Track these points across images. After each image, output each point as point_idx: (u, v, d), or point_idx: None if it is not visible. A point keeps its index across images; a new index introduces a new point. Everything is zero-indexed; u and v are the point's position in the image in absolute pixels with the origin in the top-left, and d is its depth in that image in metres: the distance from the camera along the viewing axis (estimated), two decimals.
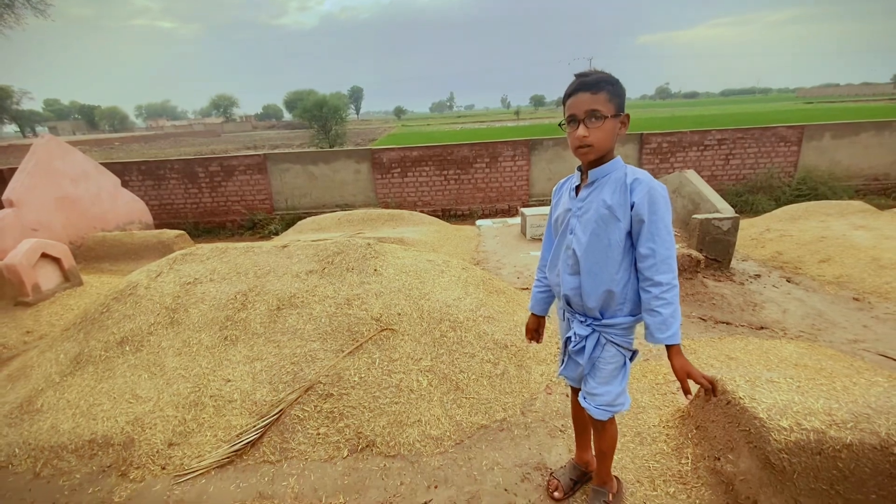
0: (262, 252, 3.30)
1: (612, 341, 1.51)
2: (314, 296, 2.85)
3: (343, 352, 2.53)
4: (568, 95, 1.39)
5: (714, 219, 4.67)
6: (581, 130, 1.35)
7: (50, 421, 2.36)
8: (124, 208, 7.22)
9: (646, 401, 2.38)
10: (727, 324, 3.59)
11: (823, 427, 1.58)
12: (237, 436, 2.20)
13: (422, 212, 9.31)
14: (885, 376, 2.35)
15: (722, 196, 6.73)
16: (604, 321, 1.49)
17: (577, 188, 1.51)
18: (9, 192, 5.25)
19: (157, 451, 2.17)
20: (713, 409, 1.91)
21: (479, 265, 5.01)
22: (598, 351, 1.53)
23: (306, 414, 2.27)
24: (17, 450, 2.24)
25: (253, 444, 2.17)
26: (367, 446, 2.15)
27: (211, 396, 2.37)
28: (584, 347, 1.55)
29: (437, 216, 9.33)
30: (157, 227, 8.99)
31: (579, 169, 1.51)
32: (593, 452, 1.85)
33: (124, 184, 9.12)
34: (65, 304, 3.93)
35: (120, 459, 2.15)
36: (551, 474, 1.97)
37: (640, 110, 65.18)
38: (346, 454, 2.13)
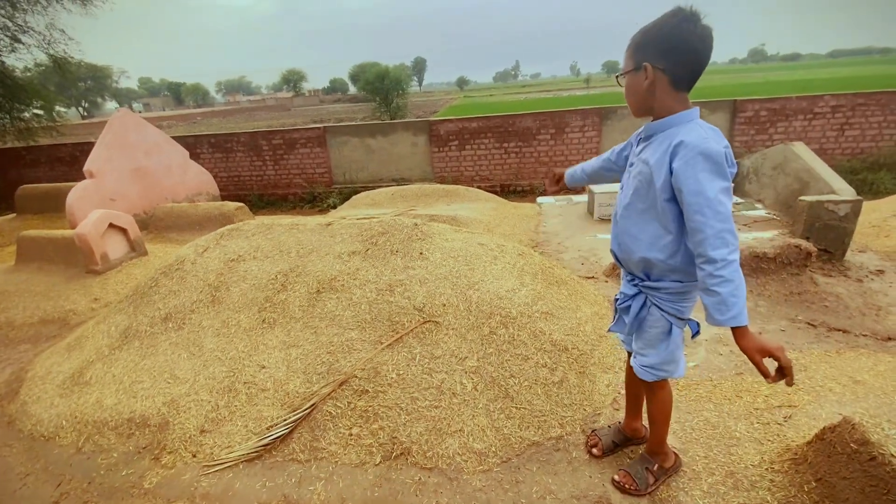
0: (306, 230, 3.14)
1: (657, 305, 1.44)
2: (355, 279, 2.64)
3: (382, 344, 2.30)
4: None
5: (828, 201, 3.86)
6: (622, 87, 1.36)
7: (96, 395, 2.37)
8: (193, 180, 7.53)
9: (741, 431, 1.93)
10: (844, 332, 2.94)
11: None
12: (267, 428, 2.06)
13: (479, 187, 8.90)
14: None
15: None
16: (648, 283, 1.44)
17: (641, 140, 1.43)
18: (89, 164, 5.58)
19: (190, 437, 2.09)
20: (847, 464, 1.44)
21: (538, 248, 4.59)
22: (644, 312, 1.49)
23: (339, 411, 2.08)
24: (64, 422, 2.27)
25: (283, 438, 2.03)
26: (401, 454, 1.92)
27: (245, 383, 2.26)
28: (629, 307, 1.52)
29: (496, 192, 8.88)
30: (225, 198, 9.39)
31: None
32: (644, 421, 1.85)
33: (195, 156, 9.57)
34: (130, 273, 4.10)
35: (154, 442, 2.10)
36: (593, 431, 1.95)
37: (729, 76, 58.48)
38: (378, 461, 1.91)
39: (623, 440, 1.90)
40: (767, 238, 3.75)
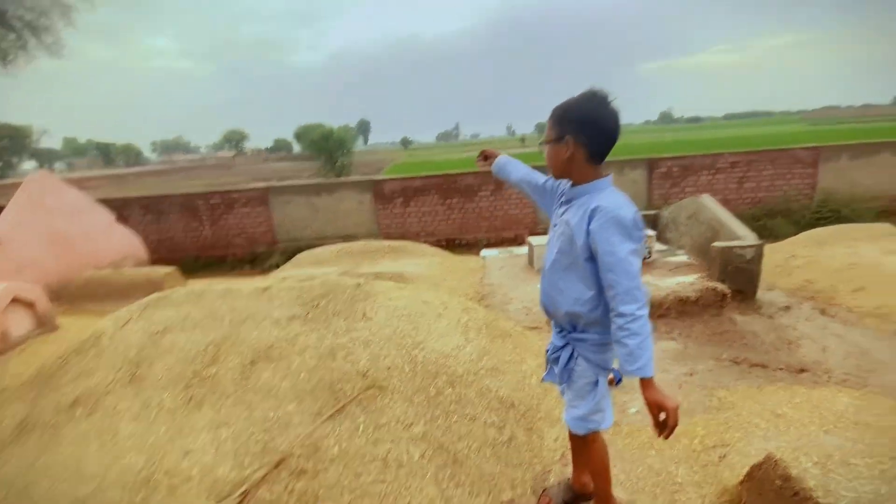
0: (242, 296, 3.00)
1: (584, 356, 1.52)
2: (294, 346, 2.52)
3: (322, 415, 2.17)
4: None
5: (736, 247, 4.31)
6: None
7: None
8: (118, 244, 7.03)
9: (682, 475, 1.98)
10: (763, 367, 3.18)
11: None
12: None
13: (425, 242, 9.04)
14: None
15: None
16: (575, 334, 1.53)
17: (563, 201, 1.55)
18: None
19: None
20: (775, 499, 1.51)
21: (483, 300, 4.66)
22: (572, 363, 1.56)
23: (275, 496, 1.90)
24: None
25: None
26: None
27: (166, 472, 2.02)
28: (559, 357, 1.59)
29: (441, 246, 9.05)
30: (156, 262, 8.81)
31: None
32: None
33: (125, 219, 9.02)
34: (35, 353, 3.64)
35: None
36: (544, 490, 1.95)
37: (644, 135, 65.51)
38: None
39: (573, 497, 1.88)
40: (689, 282, 4.08)
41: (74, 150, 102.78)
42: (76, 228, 6.13)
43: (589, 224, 1.36)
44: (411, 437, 2.09)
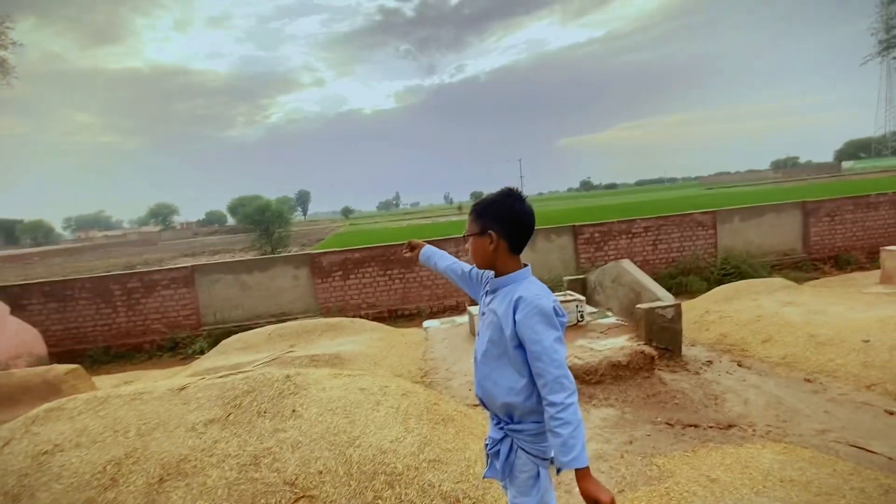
0: (153, 399, 2.68)
1: (522, 448, 1.49)
2: (212, 456, 2.26)
3: None
4: None
5: (658, 308, 4.63)
6: (467, 245, 1.58)
7: None
8: (11, 340, 6.16)
9: None
10: (695, 426, 3.31)
11: None
12: None
13: (366, 314, 8.81)
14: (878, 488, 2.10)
15: (657, 279, 6.91)
16: (512, 425, 1.50)
17: (487, 291, 1.59)
18: None
19: None
20: None
21: (426, 377, 4.54)
22: (512, 456, 1.52)
23: None
24: None
25: None
26: None
27: None
28: (498, 451, 1.54)
29: (384, 318, 8.85)
30: (59, 355, 7.74)
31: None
32: None
33: (22, 308, 7.99)
34: None
35: None
36: None
37: (569, 202, 71.12)
38: None
39: None
40: (619, 346, 4.26)
41: None
42: None
43: (514, 314, 1.41)
44: None
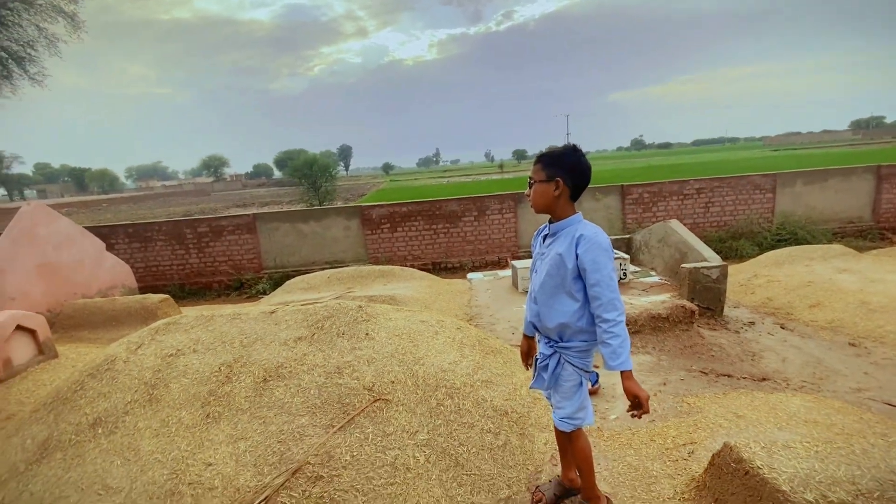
0: (249, 319, 3.19)
1: (569, 361, 1.80)
2: (303, 365, 2.73)
3: (333, 427, 2.37)
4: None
5: (703, 268, 4.71)
6: (528, 191, 1.83)
7: None
8: (108, 273, 7.05)
9: (657, 469, 2.25)
10: (728, 376, 3.51)
11: (850, 498, 1.48)
12: None
13: (412, 266, 9.28)
14: None
15: (706, 243, 6.86)
16: (561, 343, 1.81)
17: (545, 237, 1.86)
18: None
19: None
20: (731, 480, 1.79)
21: (472, 321, 4.92)
22: (559, 369, 1.83)
23: (294, 500, 2.08)
24: None
25: None
26: None
27: (189, 483, 2.18)
28: (547, 365, 1.86)
29: (428, 270, 9.30)
30: (142, 290, 8.78)
31: (550, 221, 1.85)
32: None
33: (110, 247, 9.00)
34: (37, 380, 3.70)
35: None
36: (537, 487, 2.16)
37: (617, 161, 67.88)
38: None
39: (564, 492, 2.12)
40: (661, 301, 4.43)
41: (46, 176, 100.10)
42: (67, 258, 6.17)
43: (577, 249, 1.68)
44: (416, 443, 2.31)
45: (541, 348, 1.92)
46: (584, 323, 1.75)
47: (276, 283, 8.87)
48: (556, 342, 1.83)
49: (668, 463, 2.29)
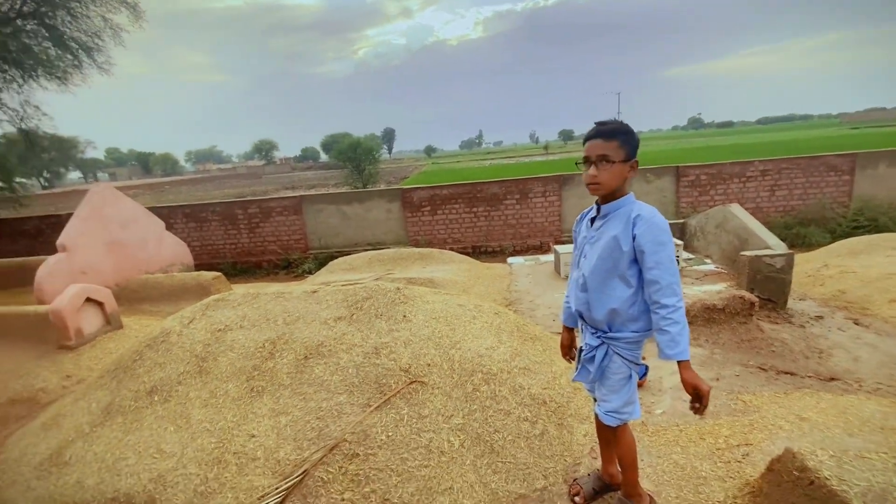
0: (293, 298, 3.27)
1: (618, 353, 1.68)
2: (342, 344, 2.77)
3: (370, 406, 2.40)
4: (586, 139, 1.63)
5: (765, 255, 4.34)
6: (592, 171, 1.59)
7: (76, 475, 2.32)
8: (168, 251, 7.52)
9: (706, 470, 2.10)
10: (791, 374, 3.23)
11: None
12: (258, 499, 2.08)
13: (451, 249, 9.25)
14: None
15: (770, 229, 6.33)
16: (610, 334, 1.69)
17: (594, 219, 1.73)
18: (62, 238, 5.57)
19: None
20: (792, 490, 1.64)
21: (511, 306, 4.83)
22: (607, 361, 1.72)
23: (331, 476, 2.13)
24: None
25: None
26: None
27: (234, 453, 2.28)
28: (594, 356, 1.74)
29: (467, 253, 9.24)
30: (198, 267, 9.32)
31: (597, 203, 1.71)
32: (619, 466, 1.93)
33: (169, 226, 9.59)
34: (104, 348, 4.02)
35: None
36: (574, 480, 2.08)
37: (671, 141, 64.13)
38: None
39: (603, 487, 2.04)
40: (716, 291, 4.14)
41: (116, 160, 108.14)
42: (131, 236, 6.63)
43: (633, 229, 1.56)
44: (451, 427, 2.29)
45: (586, 339, 1.79)
46: (636, 310, 1.64)
47: (321, 263, 9.13)
48: (605, 332, 1.71)
49: (718, 464, 2.14)
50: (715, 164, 8.75)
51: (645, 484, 2.04)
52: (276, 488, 2.10)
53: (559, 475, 2.16)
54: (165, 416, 2.55)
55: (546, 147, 78.80)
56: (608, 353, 1.71)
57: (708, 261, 5.42)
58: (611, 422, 1.76)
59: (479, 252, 9.47)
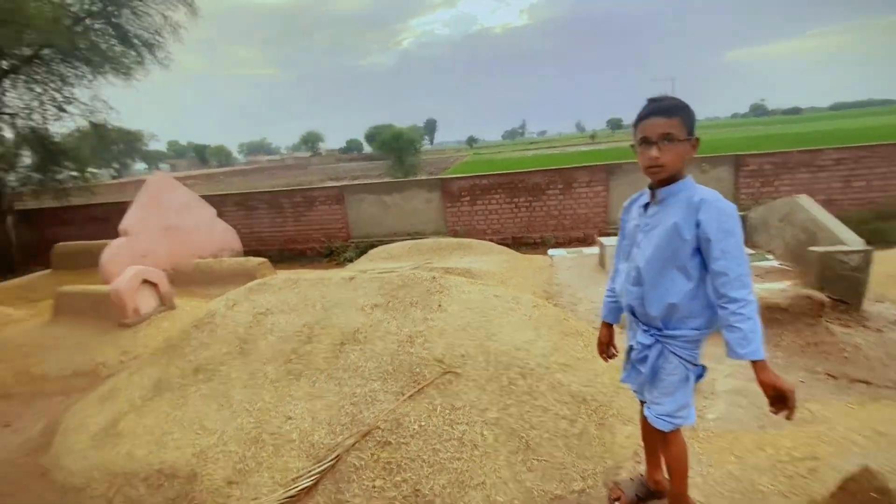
0: (331, 284, 3.30)
1: (674, 353, 1.55)
2: (377, 331, 2.76)
3: (403, 395, 2.37)
4: (641, 118, 1.48)
5: (838, 252, 3.93)
6: (654, 152, 1.43)
7: (127, 446, 2.45)
8: (219, 237, 7.89)
9: (765, 483, 1.91)
10: (866, 383, 2.91)
11: None
12: (293, 480, 2.11)
13: (490, 240, 9.10)
14: None
15: (844, 223, 5.74)
16: (666, 332, 1.55)
17: (647, 205, 1.58)
18: (124, 223, 5.95)
19: (217, 489, 2.13)
20: None
21: (551, 300, 4.67)
22: (661, 361, 1.58)
23: (363, 462, 2.12)
24: (95, 473, 2.34)
25: (308, 490, 2.06)
26: None
27: (271, 434, 2.32)
28: (646, 357, 1.60)
29: (507, 245, 9.07)
30: (246, 253, 9.74)
31: (650, 187, 1.57)
32: (665, 473, 1.80)
33: (220, 214, 10.05)
34: (158, 327, 4.26)
35: (183, 493, 2.15)
36: (615, 483, 1.96)
37: (730, 129, 60.10)
38: None
39: (647, 493, 1.91)
40: (779, 289, 3.80)
41: (176, 152, 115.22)
42: (186, 222, 6.99)
43: (697, 216, 1.41)
44: (485, 421, 2.22)
45: (638, 338, 1.63)
46: (697, 305, 1.49)
47: (362, 251, 9.27)
48: (659, 330, 1.56)
49: (780, 478, 1.94)
50: (780, 153, 8.06)
51: (694, 494, 1.89)
52: (310, 471, 2.12)
53: (599, 478, 2.04)
54: (209, 395, 2.64)
55: (593, 136, 76.21)
56: (663, 352, 1.57)
57: (770, 256, 5.01)
58: (663, 426, 1.61)
59: (519, 243, 9.28)
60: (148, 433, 2.49)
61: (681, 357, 1.54)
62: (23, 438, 2.91)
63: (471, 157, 52.36)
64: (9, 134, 11.01)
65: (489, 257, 6.35)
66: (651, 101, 1.48)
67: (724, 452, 2.16)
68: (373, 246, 9.17)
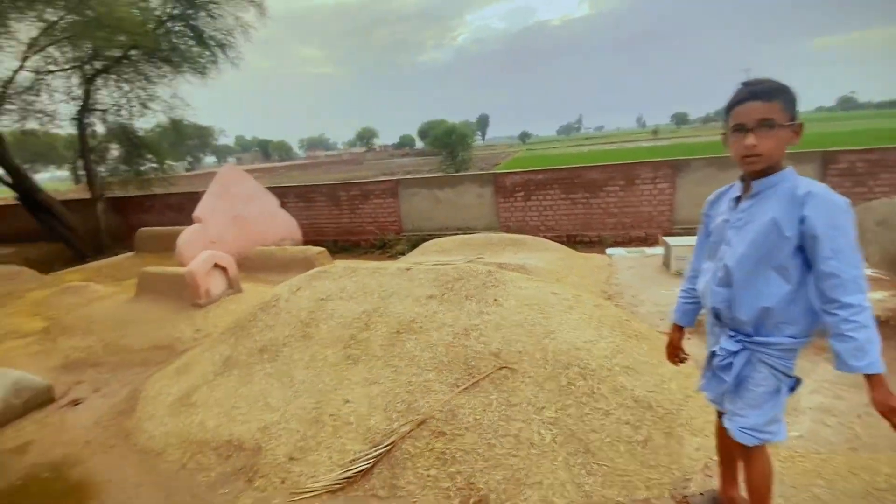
0: (388, 274, 3.35)
1: (765, 362, 1.41)
2: (433, 322, 2.76)
3: (458, 387, 2.35)
4: (735, 104, 1.34)
5: None
6: (751, 139, 1.30)
7: (200, 416, 2.62)
8: (281, 226, 8.28)
9: None
10: None
11: None
12: (350, 462, 2.16)
13: (544, 237, 8.89)
14: None
15: None
16: (757, 338, 1.41)
17: (738, 199, 1.45)
18: (198, 211, 6.39)
19: (279, 464, 2.23)
20: None
21: (611, 300, 4.48)
22: (748, 370, 1.44)
23: (417, 450, 2.13)
24: (172, 439, 2.52)
25: (364, 473, 2.10)
26: (479, 501, 1.92)
27: (330, 415, 2.39)
28: (731, 364, 1.46)
29: (562, 242, 8.81)
30: (305, 242, 10.18)
31: (742, 179, 1.44)
32: (742, 490, 1.66)
33: (283, 205, 10.57)
34: (226, 308, 4.54)
35: (248, 465, 2.26)
36: (685, 496, 1.85)
37: (815, 125, 54.98)
38: None
39: None
40: (876, 299, 3.40)
41: (243, 146, 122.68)
42: (252, 211, 7.40)
43: (803, 210, 1.27)
44: (542, 419, 2.16)
45: (722, 343, 1.49)
46: (795, 311, 1.34)
47: (413, 244, 9.38)
48: (748, 336, 1.42)
49: None
50: (876, 149, 7.22)
51: None
52: (367, 454, 2.16)
53: (665, 489, 1.91)
54: (273, 374, 2.77)
55: (655, 131, 72.44)
56: (750, 360, 1.43)
57: (865, 264, 4.51)
58: (747, 441, 1.46)
59: (574, 242, 8.99)
60: (218, 405, 2.66)
61: (773, 367, 1.40)
62: (111, 403, 3.20)
63: (523, 152, 51.54)
64: (100, 128, 12.20)
65: (544, 254, 6.19)
66: (746, 84, 1.35)
67: (810, 475, 1.95)
68: (424, 240, 9.24)
